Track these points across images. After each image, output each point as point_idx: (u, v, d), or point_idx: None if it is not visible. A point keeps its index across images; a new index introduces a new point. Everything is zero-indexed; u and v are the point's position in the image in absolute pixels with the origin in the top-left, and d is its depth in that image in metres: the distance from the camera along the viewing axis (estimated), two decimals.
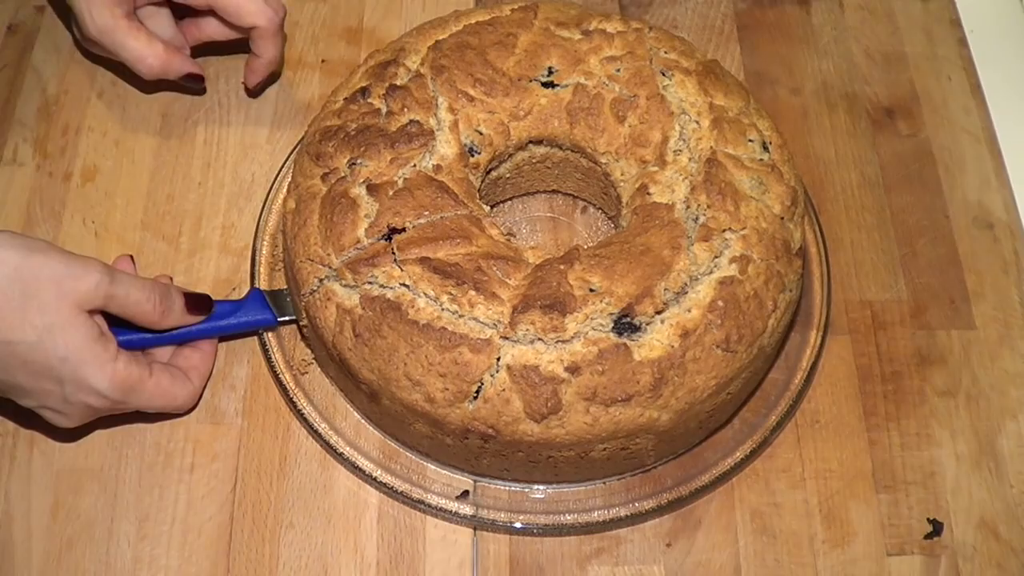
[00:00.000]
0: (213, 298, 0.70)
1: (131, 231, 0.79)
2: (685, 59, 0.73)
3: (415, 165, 0.68)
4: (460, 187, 0.68)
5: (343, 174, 0.68)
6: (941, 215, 0.82)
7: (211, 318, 0.70)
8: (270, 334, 0.73)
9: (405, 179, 0.68)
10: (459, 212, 0.67)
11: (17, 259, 0.61)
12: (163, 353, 0.70)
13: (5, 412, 0.71)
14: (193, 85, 0.83)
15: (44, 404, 0.65)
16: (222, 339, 0.74)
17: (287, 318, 0.71)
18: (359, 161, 0.68)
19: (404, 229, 0.66)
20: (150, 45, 0.78)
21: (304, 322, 0.69)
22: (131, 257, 0.73)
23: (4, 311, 0.60)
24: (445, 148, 0.69)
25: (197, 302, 0.69)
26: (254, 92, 0.85)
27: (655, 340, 0.63)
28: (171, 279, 0.74)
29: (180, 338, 0.69)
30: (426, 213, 0.66)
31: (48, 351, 0.62)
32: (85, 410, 0.65)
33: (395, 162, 0.68)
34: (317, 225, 0.67)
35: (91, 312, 0.64)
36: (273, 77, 0.85)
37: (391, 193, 0.67)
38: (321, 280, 0.66)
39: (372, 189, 0.67)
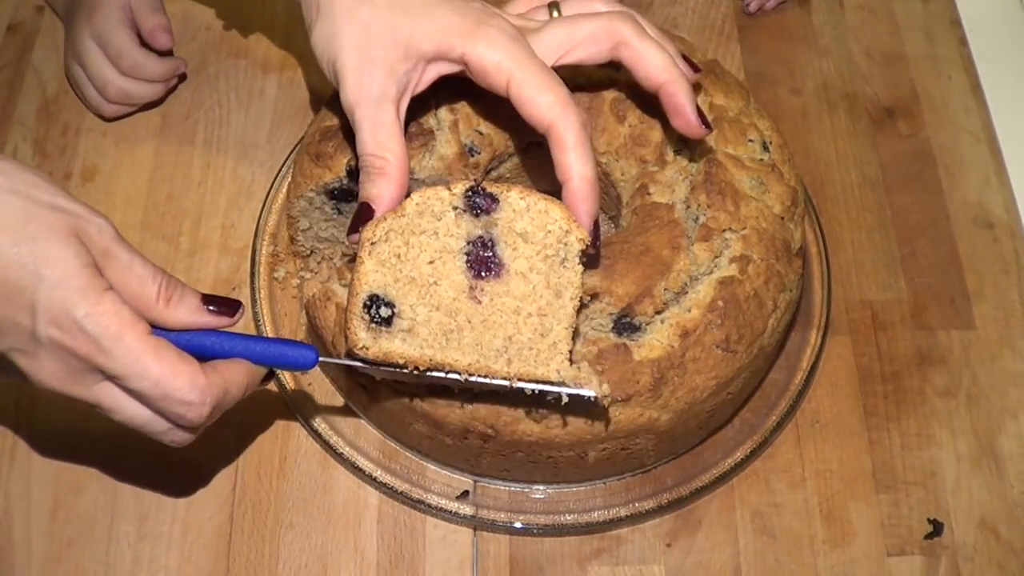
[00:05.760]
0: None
1: (131, 231, 0.79)
2: None
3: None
4: None
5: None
6: (941, 215, 0.81)
7: (240, 337, 0.57)
8: (267, 324, 0.72)
9: None
10: None
11: (12, 183, 0.52)
12: None
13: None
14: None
15: (12, 346, 0.52)
16: None
17: (333, 360, 0.62)
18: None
19: None
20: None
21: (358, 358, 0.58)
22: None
23: None
24: (445, 148, 0.69)
25: (219, 300, 0.57)
26: None
27: (655, 340, 0.62)
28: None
29: (199, 352, 0.56)
30: None
31: (25, 261, 0.50)
32: (58, 355, 0.52)
33: None
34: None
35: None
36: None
37: None
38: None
39: None
